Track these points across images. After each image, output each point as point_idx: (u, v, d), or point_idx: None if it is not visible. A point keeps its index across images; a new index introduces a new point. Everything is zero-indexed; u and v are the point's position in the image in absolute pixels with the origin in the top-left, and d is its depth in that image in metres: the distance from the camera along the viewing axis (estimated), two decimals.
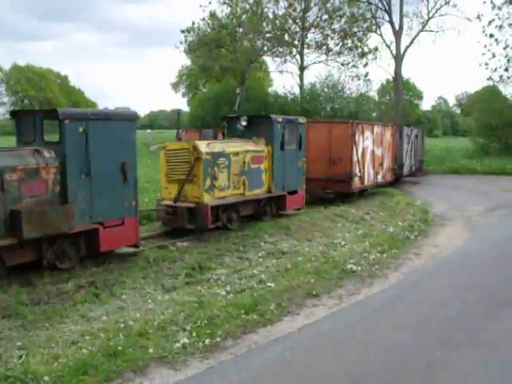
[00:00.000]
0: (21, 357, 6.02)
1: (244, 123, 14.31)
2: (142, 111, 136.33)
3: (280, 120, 14.44)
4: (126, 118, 9.96)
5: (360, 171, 19.65)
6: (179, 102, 75.84)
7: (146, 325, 7.10)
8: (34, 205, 8.58)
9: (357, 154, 19.24)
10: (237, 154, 12.95)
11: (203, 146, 12.17)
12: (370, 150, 20.85)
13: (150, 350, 6.37)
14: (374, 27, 44.37)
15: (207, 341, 6.70)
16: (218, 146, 12.81)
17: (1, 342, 6.45)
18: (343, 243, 12.54)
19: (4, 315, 7.23)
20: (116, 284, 8.80)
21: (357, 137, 19.26)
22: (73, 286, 8.48)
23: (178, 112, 14.99)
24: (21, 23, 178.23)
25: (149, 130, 72.01)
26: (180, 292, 8.63)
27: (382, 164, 22.31)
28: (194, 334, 6.89)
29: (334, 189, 19.12)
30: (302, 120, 15.63)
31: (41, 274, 8.89)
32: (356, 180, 19.45)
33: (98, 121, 9.37)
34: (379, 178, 22.21)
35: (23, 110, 10.18)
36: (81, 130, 9.09)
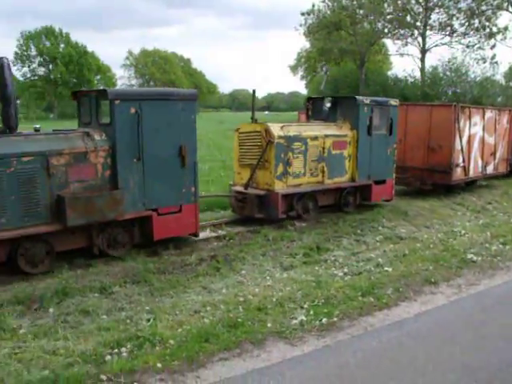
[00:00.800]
0: (149, 320, 6.44)
1: (328, 105, 13.22)
2: (260, 93, 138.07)
3: (367, 102, 12.92)
4: (185, 98, 9.17)
5: (464, 161, 17.21)
6: (297, 85, 75.67)
7: (265, 300, 7.26)
8: (81, 190, 8.27)
9: (461, 141, 16.84)
10: (315, 138, 11.86)
11: (276, 129, 11.23)
12: (479, 137, 18.19)
13: (269, 325, 6.52)
14: (505, 4, 41.35)
15: (324, 320, 6.74)
16: (293, 129, 11.71)
17: (131, 305, 6.94)
18: (463, 232, 11.94)
19: (134, 281, 7.75)
20: (236, 259, 9.07)
21: (461, 122, 16.80)
22: (195, 258, 8.87)
23: (254, 91, 13.47)
24: (152, 10, 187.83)
25: (266, 112, 72.91)
26: (298, 271, 8.71)
27: (494, 154, 19.48)
28: (311, 312, 6.95)
29: (432, 180, 16.57)
30: (393, 102, 13.80)
31: (165, 246, 9.45)
32: (458, 171, 17.00)
33: (153, 101, 8.77)
34: (489, 169, 19.35)
35: (82, 91, 9.78)
36: (133, 110, 8.55)
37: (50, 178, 7.95)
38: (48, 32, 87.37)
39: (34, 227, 7.78)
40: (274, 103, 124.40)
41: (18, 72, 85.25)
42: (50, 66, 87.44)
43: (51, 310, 6.67)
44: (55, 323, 6.29)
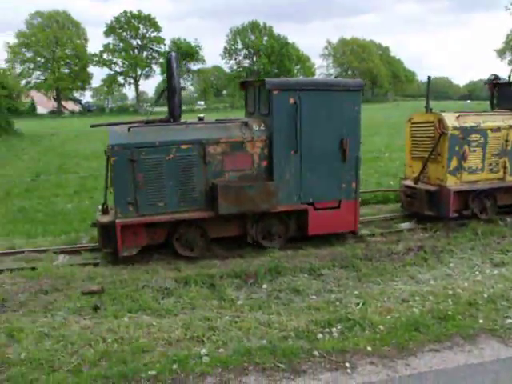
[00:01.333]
0: (358, 304, 6.54)
1: None
2: (461, 81, 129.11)
3: None
4: (349, 88, 8.61)
5: None
6: (504, 71, 68.79)
7: (475, 295, 6.88)
8: (236, 179, 8.34)
9: None
10: (497, 129, 10.37)
11: (451, 119, 10.05)
12: None
13: (480, 321, 6.17)
14: None
15: None
16: (471, 119, 10.31)
17: (339, 288, 7.12)
18: None
19: (341, 265, 7.92)
20: (443, 251, 8.73)
21: None
22: (403, 247, 8.74)
23: (429, 78, 11.67)
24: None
25: (468, 101, 67.80)
26: (510, 268, 8.09)
27: None
28: None
29: None
30: None
31: (372, 233, 9.49)
32: None
33: (313, 91, 8.40)
34: None
35: (248, 81, 9.79)
36: (291, 101, 8.33)
37: (206, 165, 8.15)
38: (253, 26, 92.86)
39: (188, 213, 8.08)
40: (475, 91, 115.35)
41: (225, 65, 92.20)
42: (254, 58, 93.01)
43: (264, 285, 7.09)
44: (268, 298, 6.69)
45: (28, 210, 11.66)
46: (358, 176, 8.94)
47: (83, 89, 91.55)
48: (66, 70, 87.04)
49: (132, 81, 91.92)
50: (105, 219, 7.94)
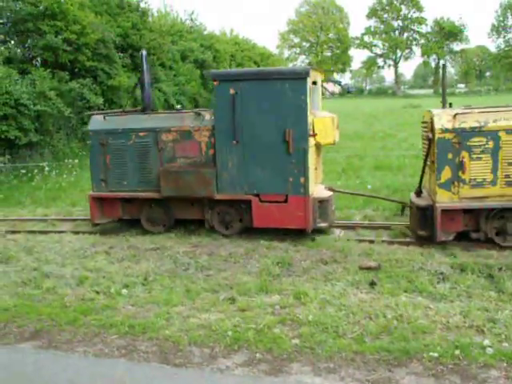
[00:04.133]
0: None
1: None
2: None
3: None
4: (292, 77, 7.94)
5: None
6: None
7: None
8: (186, 165, 8.75)
9: None
10: None
11: (443, 119, 7.72)
12: None
13: None
14: None
15: None
16: (473, 117, 7.73)
17: None
18: None
19: None
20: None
21: None
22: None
23: (443, 66, 7.78)
24: None
25: None
26: None
27: None
28: None
29: None
30: None
31: None
32: None
33: (254, 81, 8.11)
34: None
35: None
36: (232, 91, 8.14)
37: (160, 151, 8.90)
38: None
39: (146, 192, 9.05)
40: None
41: (492, 44, 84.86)
42: None
43: None
44: None
45: None
46: (305, 171, 8.04)
47: (343, 71, 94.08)
48: (329, 53, 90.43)
49: (391, 63, 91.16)
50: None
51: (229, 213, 8.75)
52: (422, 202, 8.03)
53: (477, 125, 7.71)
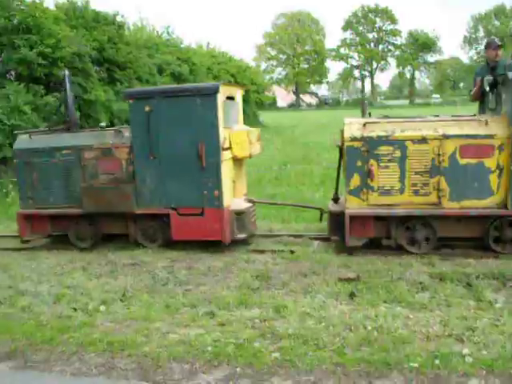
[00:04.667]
0: None
1: (487, 88, 8.38)
2: None
3: None
4: (202, 93, 8.21)
5: None
6: None
7: None
8: (107, 182, 8.96)
9: None
10: (422, 140, 7.76)
11: (353, 128, 7.97)
12: None
13: None
14: None
15: None
16: (382, 126, 7.96)
17: None
18: None
19: None
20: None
21: None
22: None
23: (362, 75, 8.20)
24: None
25: None
26: None
27: None
28: None
29: None
30: None
31: None
32: None
33: (167, 98, 8.36)
34: None
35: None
36: (147, 108, 8.39)
37: (83, 168, 9.07)
38: (498, 11, 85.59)
39: (71, 208, 9.20)
40: None
41: (464, 55, 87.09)
42: None
43: None
44: None
45: (278, 197, 12.55)
46: (219, 184, 8.28)
47: (320, 82, 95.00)
48: (305, 65, 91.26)
49: (367, 74, 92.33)
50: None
51: (151, 226, 8.93)
52: (335, 208, 8.28)
53: (384, 134, 7.88)
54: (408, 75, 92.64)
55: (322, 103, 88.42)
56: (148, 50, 28.15)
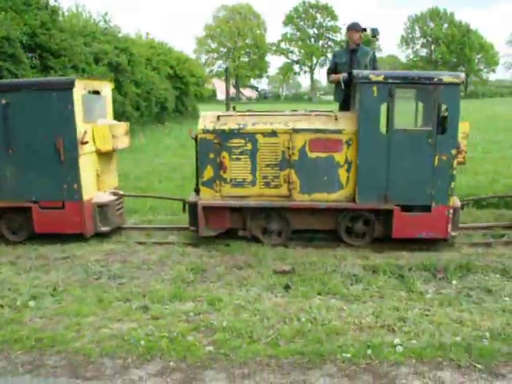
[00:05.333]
0: None
1: (342, 85, 8.75)
2: None
3: (381, 79, 7.64)
4: (59, 87, 8.22)
5: None
6: None
7: None
8: None
9: None
10: (272, 133, 7.99)
11: (207, 121, 8.20)
12: None
13: None
14: None
15: None
16: (235, 120, 8.19)
17: None
18: None
19: None
20: None
21: None
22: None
23: (226, 69, 8.79)
24: None
25: None
26: None
27: None
28: None
29: None
30: (448, 79, 7.62)
31: None
32: None
33: (23, 92, 8.24)
34: None
35: None
36: (3, 101, 8.24)
37: None
38: (433, 13, 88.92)
39: None
40: None
41: (402, 54, 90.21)
42: (432, 47, 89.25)
43: (454, 282, 6.85)
44: (458, 295, 6.43)
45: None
46: (78, 178, 8.35)
47: (260, 76, 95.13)
48: (246, 59, 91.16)
49: (307, 69, 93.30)
50: None
51: (15, 220, 8.78)
52: (193, 199, 8.37)
53: (236, 127, 8.06)
54: None
55: (262, 97, 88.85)
56: (84, 38, 27.28)
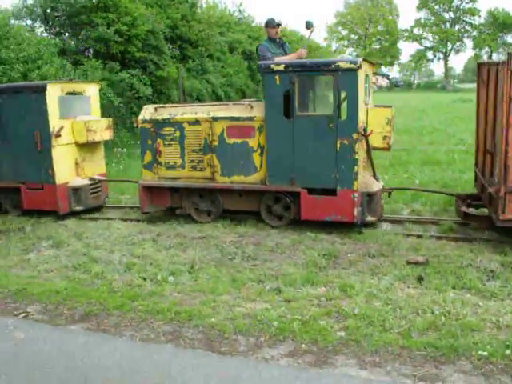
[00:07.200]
0: None
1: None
2: None
3: (282, 68, 8.11)
4: (35, 90, 9.77)
5: None
6: None
7: None
8: None
9: None
10: (195, 122, 8.99)
11: (147, 112, 9.48)
12: None
13: None
14: None
15: None
16: (168, 110, 9.38)
17: None
18: None
19: None
20: None
21: None
22: None
23: (178, 69, 8.15)
24: None
25: None
26: None
27: None
28: None
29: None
30: (345, 65, 7.77)
31: None
32: None
33: (10, 93, 10.01)
34: None
35: None
36: None
37: None
38: None
39: None
40: None
41: None
42: None
43: None
44: None
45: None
46: (52, 164, 9.80)
47: (391, 64, 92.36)
48: (377, 46, 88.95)
49: (441, 56, 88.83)
50: None
51: (7, 198, 10.65)
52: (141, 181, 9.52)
53: (167, 117, 9.22)
54: (485, 57, 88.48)
55: (393, 86, 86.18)
56: (220, 28, 28.27)
